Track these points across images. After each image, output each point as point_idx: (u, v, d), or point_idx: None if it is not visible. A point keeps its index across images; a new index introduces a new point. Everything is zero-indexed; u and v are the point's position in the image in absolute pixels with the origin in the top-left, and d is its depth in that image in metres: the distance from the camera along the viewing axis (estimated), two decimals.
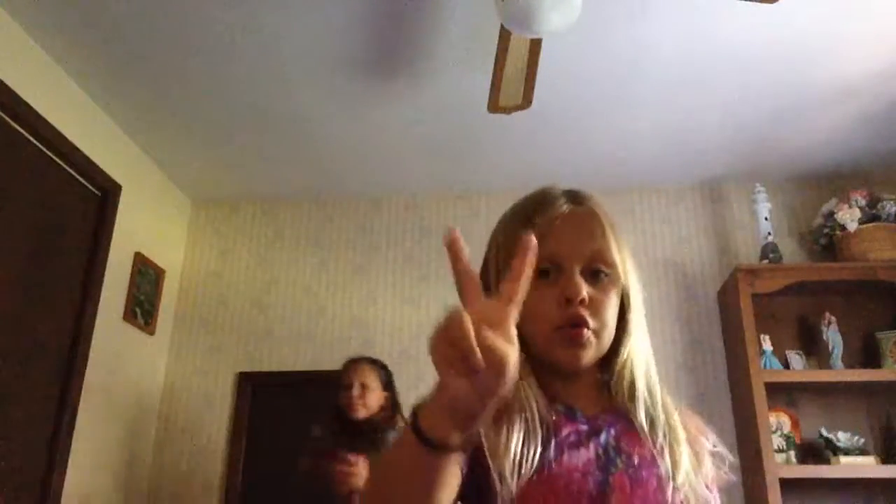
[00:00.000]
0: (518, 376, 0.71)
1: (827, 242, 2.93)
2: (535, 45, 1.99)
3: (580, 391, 0.85)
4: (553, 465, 0.76)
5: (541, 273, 0.80)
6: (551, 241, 0.82)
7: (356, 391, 2.29)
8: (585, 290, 0.80)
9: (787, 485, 2.50)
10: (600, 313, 0.82)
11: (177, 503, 2.94)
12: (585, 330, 0.80)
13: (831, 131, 2.84)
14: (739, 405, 2.78)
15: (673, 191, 3.23)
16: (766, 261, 2.86)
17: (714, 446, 0.86)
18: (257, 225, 3.39)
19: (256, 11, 2.19)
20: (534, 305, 0.76)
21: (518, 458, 0.73)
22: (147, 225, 3.04)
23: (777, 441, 2.63)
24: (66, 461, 2.43)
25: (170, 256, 3.22)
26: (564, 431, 0.79)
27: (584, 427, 0.80)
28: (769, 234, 2.92)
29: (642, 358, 0.87)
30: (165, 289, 3.13)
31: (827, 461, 2.61)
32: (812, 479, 2.59)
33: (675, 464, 0.79)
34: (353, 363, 2.39)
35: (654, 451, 0.79)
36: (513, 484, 0.72)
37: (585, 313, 0.80)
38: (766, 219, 2.95)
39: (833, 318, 2.77)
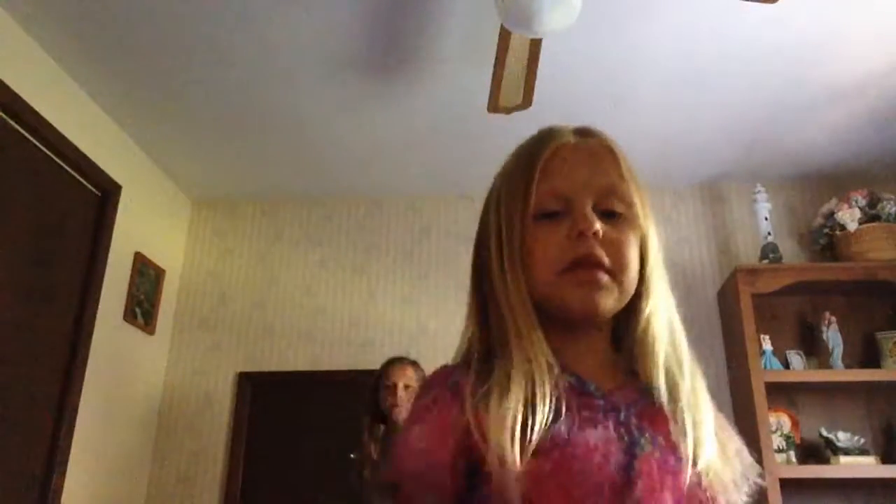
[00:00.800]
0: (520, 332, 0.68)
1: (827, 242, 2.93)
2: (535, 45, 1.99)
3: (591, 360, 0.73)
4: (566, 444, 0.64)
5: (547, 215, 0.72)
6: (557, 176, 0.73)
7: (400, 392, 2.29)
8: (599, 225, 0.69)
9: (787, 485, 2.50)
10: (620, 253, 0.71)
11: (177, 503, 2.94)
12: (600, 271, 0.69)
13: (831, 131, 2.84)
14: (739, 405, 2.78)
15: (673, 191, 3.23)
16: (766, 261, 2.86)
17: (742, 448, 0.76)
18: (257, 225, 3.39)
19: (257, 11, 2.19)
20: (541, 249, 0.70)
21: (520, 430, 0.62)
22: (147, 225, 3.04)
23: (777, 441, 2.63)
24: (66, 461, 2.43)
25: (170, 256, 3.22)
26: (578, 405, 0.67)
27: (600, 402, 0.69)
28: (769, 234, 2.92)
29: (665, 317, 0.75)
30: (165, 289, 3.13)
31: (827, 461, 2.61)
32: (812, 479, 2.59)
33: (697, 441, 0.68)
34: (396, 364, 2.38)
35: (676, 430, 0.68)
36: (515, 463, 0.60)
37: (601, 251, 0.69)
38: (766, 219, 2.95)
39: (833, 318, 2.77)
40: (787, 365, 2.81)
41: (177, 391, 3.12)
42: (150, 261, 3.02)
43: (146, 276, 3.00)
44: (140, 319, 2.94)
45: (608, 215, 0.72)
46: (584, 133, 0.77)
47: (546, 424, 0.63)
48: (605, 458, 0.64)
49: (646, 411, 0.69)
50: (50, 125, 2.38)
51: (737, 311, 2.74)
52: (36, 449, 2.34)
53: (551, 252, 0.70)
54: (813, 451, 2.71)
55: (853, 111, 2.71)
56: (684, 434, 0.68)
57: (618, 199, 0.73)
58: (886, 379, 2.67)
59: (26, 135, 2.33)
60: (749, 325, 2.68)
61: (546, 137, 0.76)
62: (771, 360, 2.74)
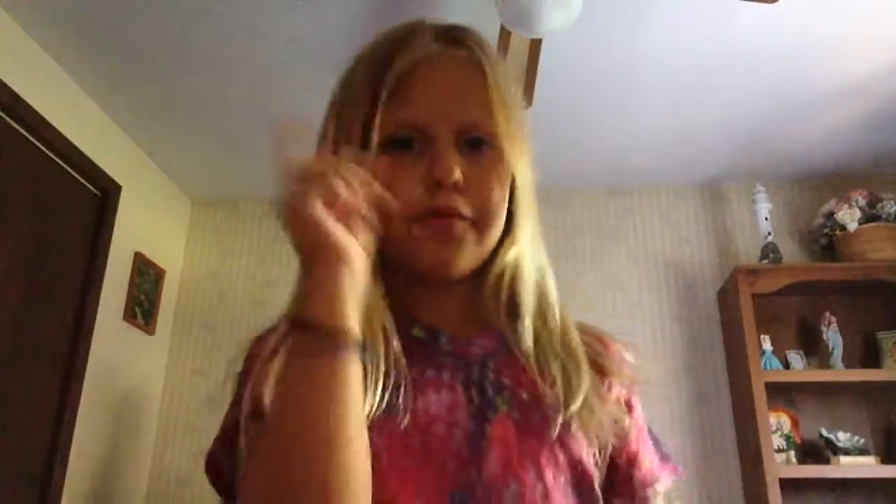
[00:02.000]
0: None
1: (827, 242, 2.93)
2: (535, 45, 1.99)
3: (449, 307, 0.63)
4: (401, 415, 0.54)
5: (400, 143, 0.60)
6: (412, 101, 0.60)
7: None
8: (459, 169, 0.58)
9: (787, 485, 2.50)
10: (483, 198, 0.60)
11: (177, 503, 2.94)
12: (458, 221, 0.59)
13: (831, 131, 2.84)
14: (739, 405, 2.78)
15: (673, 191, 3.23)
16: (766, 261, 2.86)
17: (625, 352, 0.66)
18: (257, 225, 3.39)
19: (257, 11, 2.19)
20: (391, 188, 0.57)
21: None
22: (147, 225, 3.04)
23: (777, 441, 2.63)
24: (66, 461, 2.43)
25: (170, 256, 3.22)
26: (421, 366, 0.58)
27: (449, 359, 0.59)
28: (769, 234, 2.92)
29: (532, 263, 0.64)
30: (165, 289, 3.13)
31: (827, 461, 2.61)
32: (812, 479, 2.59)
33: (569, 391, 0.58)
34: None
35: (541, 383, 0.59)
36: None
37: (460, 200, 0.59)
38: (766, 219, 2.95)
39: (833, 318, 2.77)
40: (787, 365, 2.81)
41: (177, 391, 3.12)
42: (150, 261, 3.02)
43: (146, 276, 3.00)
44: (140, 319, 2.94)
45: (473, 144, 0.61)
46: (449, 39, 0.65)
47: (377, 401, 0.53)
48: (449, 427, 0.56)
49: (507, 363, 0.61)
50: (50, 125, 2.38)
51: (737, 311, 2.74)
52: (36, 449, 2.34)
53: (400, 195, 0.57)
54: (813, 451, 2.71)
55: (853, 111, 2.71)
56: (552, 384, 0.59)
57: (483, 130, 0.61)
58: (886, 379, 2.67)
59: (26, 135, 2.32)
60: (749, 325, 2.68)
61: (400, 44, 0.64)
62: (771, 360, 2.74)
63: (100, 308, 2.63)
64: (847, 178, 3.09)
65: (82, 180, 2.61)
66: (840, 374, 2.70)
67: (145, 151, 3.01)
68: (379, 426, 0.53)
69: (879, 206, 2.82)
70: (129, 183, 2.86)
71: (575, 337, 0.63)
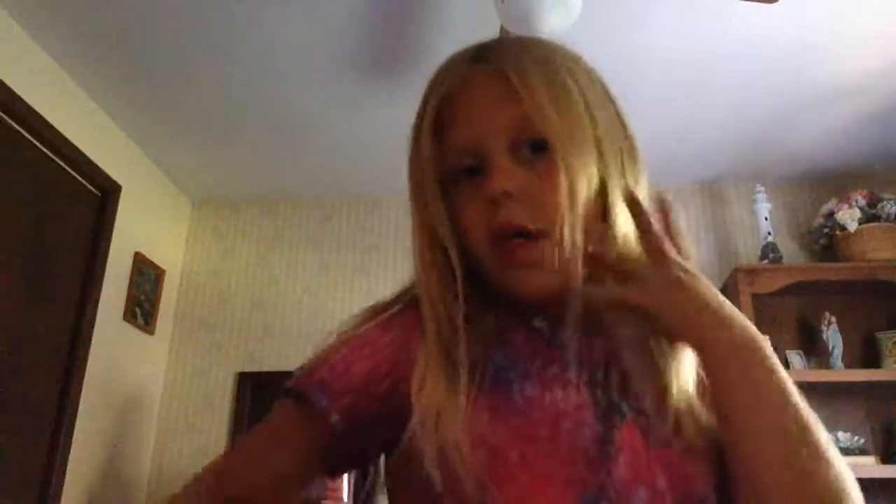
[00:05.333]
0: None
1: (827, 242, 2.93)
2: None
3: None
4: (529, 406, 0.54)
5: (469, 171, 0.60)
6: (456, 127, 0.60)
7: None
8: (511, 179, 0.57)
9: None
10: (543, 203, 0.57)
11: None
12: (529, 243, 0.56)
13: (832, 131, 2.84)
14: None
15: (673, 191, 3.23)
16: (766, 261, 2.86)
17: None
18: (257, 225, 3.39)
19: (256, 11, 2.19)
20: (465, 219, 0.59)
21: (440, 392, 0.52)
22: (147, 225, 3.04)
23: None
24: (66, 461, 2.43)
25: (170, 256, 3.22)
26: (545, 360, 0.57)
27: (573, 356, 0.58)
28: (769, 234, 2.92)
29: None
30: (165, 289, 3.13)
31: None
32: None
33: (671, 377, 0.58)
34: None
35: (666, 390, 0.58)
36: (433, 432, 0.50)
37: (519, 212, 0.57)
38: (766, 219, 2.95)
39: (833, 318, 2.77)
40: (787, 365, 2.81)
41: (177, 391, 3.12)
42: (150, 261, 3.02)
43: (146, 276, 3.00)
44: (140, 319, 2.94)
45: (534, 148, 0.58)
46: (480, 57, 0.62)
47: (493, 378, 0.54)
48: (578, 426, 0.54)
49: (634, 364, 0.59)
50: (50, 125, 2.38)
51: None
52: (36, 449, 2.34)
53: (472, 223, 0.58)
54: None
55: (853, 111, 2.71)
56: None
57: (534, 131, 0.58)
58: (886, 379, 2.67)
59: (26, 135, 2.32)
60: None
61: (436, 81, 0.63)
62: None
63: (100, 308, 2.63)
64: (847, 178, 3.09)
65: (82, 180, 2.61)
66: (840, 374, 2.70)
67: (145, 151, 3.01)
68: (503, 415, 0.53)
69: (879, 206, 2.82)
70: (129, 183, 2.86)
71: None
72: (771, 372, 0.52)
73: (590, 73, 0.66)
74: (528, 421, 0.53)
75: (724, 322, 0.54)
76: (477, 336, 0.56)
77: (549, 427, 0.54)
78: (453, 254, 0.58)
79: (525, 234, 0.57)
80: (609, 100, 0.66)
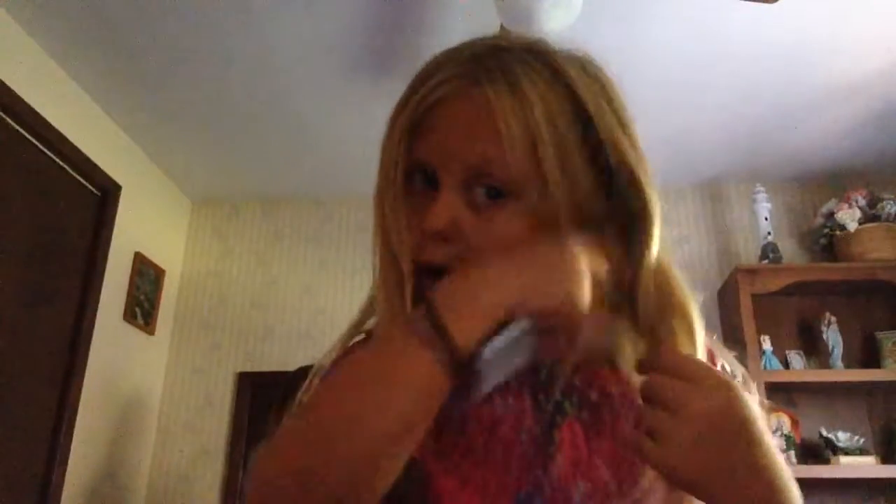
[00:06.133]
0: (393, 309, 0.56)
1: (827, 242, 2.93)
2: None
3: None
4: (460, 416, 0.54)
5: (428, 178, 0.57)
6: (424, 139, 0.57)
7: None
8: (450, 217, 0.54)
9: None
10: (478, 251, 0.54)
11: (177, 503, 2.94)
12: (434, 281, 0.53)
13: (831, 131, 2.84)
14: None
15: (673, 191, 3.23)
16: (766, 261, 2.86)
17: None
18: (257, 225, 3.39)
19: (256, 11, 2.19)
20: (402, 229, 0.57)
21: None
22: (147, 225, 3.04)
23: (777, 441, 2.63)
24: (66, 461, 2.43)
25: (170, 256, 3.22)
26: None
27: None
28: (769, 234, 2.92)
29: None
30: (165, 289, 3.13)
31: (827, 461, 2.61)
32: (812, 479, 2.59)
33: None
34: None
35: (614, 380, 0.57)
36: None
37: (442, 254, 0.55)
38: (766, 219, 2.95)
39: (833, 318, 2.77)
40: (786, 365, 2.81)
41: (177, 391, 3.12)
42: (150, 261, 3.02)
43: (146, 276, 3.00)
44: (140, 319, 2.94)
45: (491, 194, 0.55)
46: (476, 74, 0.56)
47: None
48: (516, 431, 0.55)
49: (581, 363, 0.58)
50: (50, 125, 2.38)
51: (737, 312, 2.74)
52: (36, 449, 2.34)
53: (406, 239, 0.57)
54: (813, 451, 2.71)
55: (853, 111, 2.71)
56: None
57: (492, 177, 0.54)
58: (886, 379, 2.67)
59: (26, 135, 2.32)
60: (749, 325, 2.68)
61: (421, 81, 0.59)
62: (771, 360, 2.74)
63: (100, 308, 2.63)
64: (847, 178, 3.09)
65: (82, 180, 2.61)
66: (840, 374, 2.70)
67: (145, 151, 3.01)
68: (446, 429, 0.53)
69: (879, 206, 2.82)
70: (129, 183, 2.86)
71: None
72: None
73: (610, 103, 0.61)
74: (463, 434, 0.54)
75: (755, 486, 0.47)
76: None
77: (484, 436, 0.54)
78: (405, 266, 0.56)
79: (443, 273, 0.55)
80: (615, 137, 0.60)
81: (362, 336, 0.64)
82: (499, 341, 0.47)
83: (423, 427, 0.47)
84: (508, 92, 0.54)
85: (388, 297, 0.58)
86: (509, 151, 0.53)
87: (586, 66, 0.63)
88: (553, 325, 0.48)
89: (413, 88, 0.59)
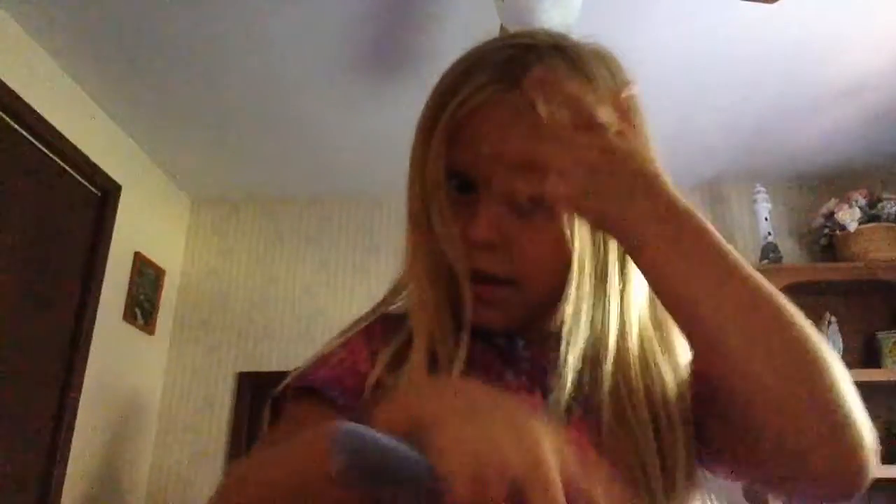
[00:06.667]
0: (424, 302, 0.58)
1: (827, 242, 2.93)
2: None
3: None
4: None
5: (463, 185, 0.59)
6: (461, 145, 0.58)
7: None
8: (493, 228, 0.56)
9: None
10: (520, 260, 0.57)
11: (177, 503, 2.94)
12: (496, 287, 0.58)
13: (832, 131, 2.84)
14: None
15: None
16: (766, 261, 2.86)
17: None
18: (257, 225, 3.39)
19: (256, 11, 2.19)
20: (450, 227, 0.58)
21: None
22: (147, 225, 3.04)
23: None
24: (66, 461, 2.43)
25: (170, 256, 3.22)
26: (502, 370, 0.60)
27: (528, 364, 0.60)
28: (769, 234, 2.92)
29: (585, 319, 0.58)
30: (165, 289, 3.13)
31: None
32: None
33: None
34: None
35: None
36: None
37: (494, 261, 0.57)
38: (766, 219, 2.95)
39: (833, 318, 2.77)
40: None
41: (177, 391, 3.12)
42: (150, 261, 3.02)
43: (146, 276, 3.00)
44: (140, 319, 2.94)
45: (535, 199, 0.56)
46: (504, 78, 0.57)
47: None
48: None
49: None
50: (50, 125, 2.38)
51: None
52: (36, 449, 2.34)
53: (451, 244, 0.58)
54: None
55: (853, 111, 2.71)
56: None
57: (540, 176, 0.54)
58: (886, 379, 2.67)
59: (26, 135, 2.32)
60: None
61: (453, 87, 0.58)
62: None
63: (100, 308, 2.63)
64: (847, 178, 3.09)
65: (82, 180, 2.61)
66: None
67: (145, 151, 3.01)
68: None
69: (879, 206, 2.82)
70: (129, 183, 2.86)
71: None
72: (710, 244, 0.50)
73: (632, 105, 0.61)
74: None
75: (661, 216, 0.49)
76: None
77: None
78: (461, 273, 0.57)
79: (493, 281, 0.58)
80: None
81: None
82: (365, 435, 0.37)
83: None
84: (551, 90, 0.54)
85: (422, 298, 0.59)
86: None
87: (609, 64, 0.64)
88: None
89: (445, 95, 0.59)
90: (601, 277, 0.60)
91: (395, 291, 0.66)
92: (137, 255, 2.93)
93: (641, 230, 0.49)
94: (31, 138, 2.34)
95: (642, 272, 0.52)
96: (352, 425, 0.36)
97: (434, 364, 0.57)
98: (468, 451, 0.36)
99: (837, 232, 2.86)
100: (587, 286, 0.59)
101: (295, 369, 0.61)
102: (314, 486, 0.40)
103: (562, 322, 0.59)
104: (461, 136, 0.58)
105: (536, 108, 0.52)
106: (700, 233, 0.50)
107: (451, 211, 0.58)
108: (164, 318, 3.13)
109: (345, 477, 0.35)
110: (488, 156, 0.57)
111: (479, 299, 0.57)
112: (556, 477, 0.36)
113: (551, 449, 0.37)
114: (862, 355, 2.84)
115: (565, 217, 0.57)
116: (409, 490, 0.37)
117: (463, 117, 0.57)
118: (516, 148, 0.53)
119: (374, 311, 0.66)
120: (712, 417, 0.55)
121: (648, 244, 0.49)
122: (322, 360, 0.61)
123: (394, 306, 0.66)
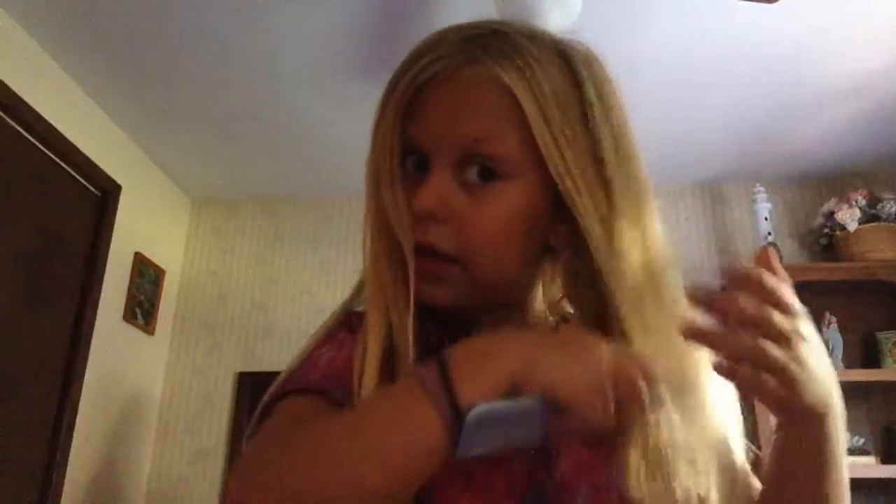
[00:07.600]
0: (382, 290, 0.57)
1: (827, 242, 2.93)
2: None
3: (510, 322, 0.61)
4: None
5: (420, 162, 0.58)
6: (415, 121, 0.57)
7: None
8: (440, 198, 0.55)
9: None
10: (466, 234, 0.56)
11: (177, 503, 2.94)
12: (437, 264, 0.56)
13: (832, 131, 2.84)
14: (739, 405, 2.78)
15: (673, 191, 3.23)
16: None
17: None
18: (257, 225, 3.39)
19: (256, 11, 2.19)
20: (398, 197, 0.58)
21: None
22: (147, 225, 3.04)
23: None
24: (66, 461, 2.43)
25: (170, 256, 3.22)
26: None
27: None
28: (769, 234, 2.92)
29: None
30: (165, 289, 3.13)
31: None
32: None
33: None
34: None
35: None
36: None
37: (438, 234, 0.56)
38: (766, 219, 2.95)
39: (833, 318, 2.76)
40: None
41: (177, 391, 3.11)
42: (150, 261, 3.02)
43: (146, 276, 3.00)
44: (140, 319, 2.94)
45: (483, 173, 0.55)
46: (469, 54, 0.56)
47: None
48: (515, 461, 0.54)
49: None
50: (50, 125, 2.38)
51: None
52: (36, 449, 2.34)
53: (397, 214, 0.58)
54: None
55: (853, 111, 2.71)
56: None
57: (483, 154, 0.55)
58: (886, 379, 2.67)
59: (26, 135, 2.32)
60: None
61: (412, 60, 0.58)
62: None
63: (100, 308, 2.63)
64: (847, 178, 3.09)
65: (82, 180, 2.61)
66: (840, 374, 2.66)
67: (145, 151, 3.01)
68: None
69: (879, 206, 2.82)
70: (129, 183, 2.86)
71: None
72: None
73: (604, 93, 0.61)
74: (467, 467, 0.53)
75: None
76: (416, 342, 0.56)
77: (483, 468, 0.53)
78: (406, 245, 0.56)
79: (438, 255, 0.56)
80: (620, 131, 0.62)
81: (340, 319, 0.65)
82: (492, 409, 0.44)
83: (419, 483, 0.46)
84: (513, 67, 0.54)
85: (378, 277, 0.59)
86: (509, 125, 0.54)
87: (591, 60, 0.64)
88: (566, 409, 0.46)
89: (404, 65, 0.58)
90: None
91: (361, 285, 0.66)
92: (137, 256, 2.93)
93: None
94: (31, 138, 2.34)
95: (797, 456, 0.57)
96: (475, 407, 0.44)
97: (391, 348, 0.56)
98: (569, 377, 0.45)
99: (837, 232, 2.85)
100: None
101: (280, 374, 0.62)
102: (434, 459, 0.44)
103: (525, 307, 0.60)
104: (415, 111, 0.57)
105: (492, 82, 0.53)
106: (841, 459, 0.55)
107: (404, 185, 0.58)
108: (164, 318, 3.13)
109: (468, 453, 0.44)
110: (437, 128, 0.56)
111: (425, 274, 0.56)
112: (637, 373, 0.46)
113: (617, 360, 0.46)
114: (862, 355, 2.84)
115: (509, 199, 0.56)
116: (527, 435, 0.46)
117: (417, 90, 0.57)
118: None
119: (343, 306, 0.67)
120: None
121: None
122: (311, 362, 0.61)
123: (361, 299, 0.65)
